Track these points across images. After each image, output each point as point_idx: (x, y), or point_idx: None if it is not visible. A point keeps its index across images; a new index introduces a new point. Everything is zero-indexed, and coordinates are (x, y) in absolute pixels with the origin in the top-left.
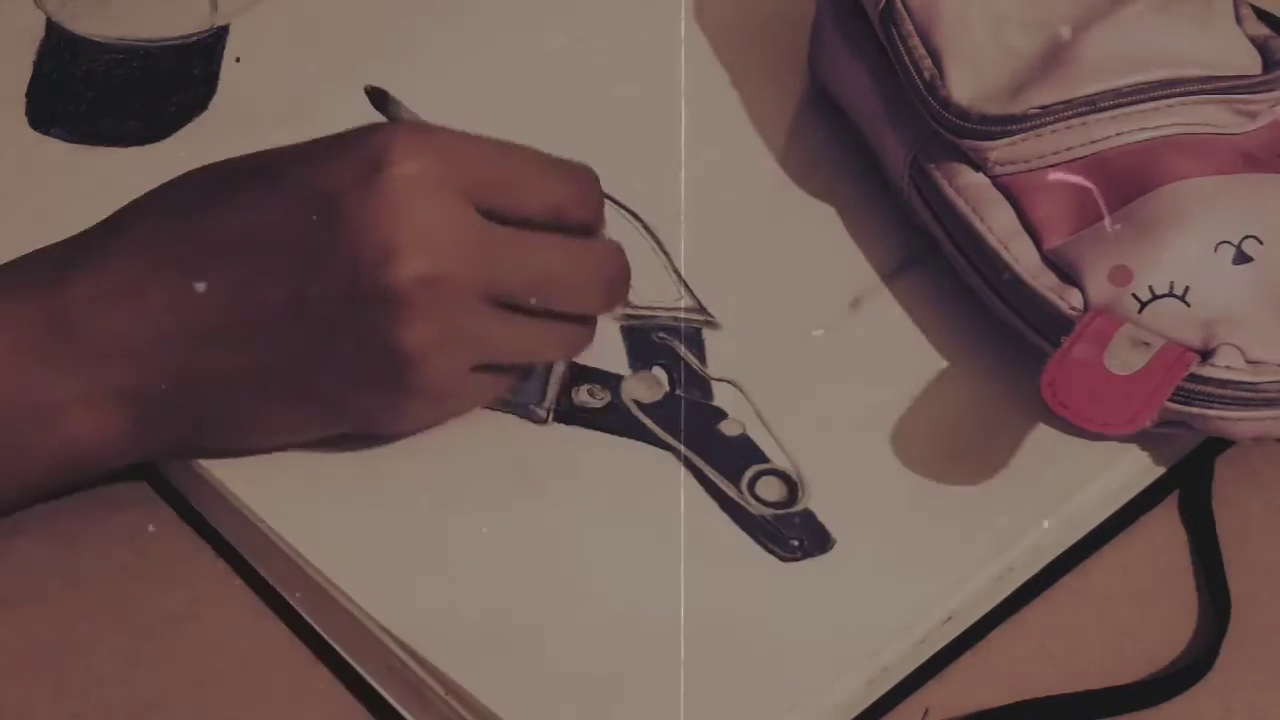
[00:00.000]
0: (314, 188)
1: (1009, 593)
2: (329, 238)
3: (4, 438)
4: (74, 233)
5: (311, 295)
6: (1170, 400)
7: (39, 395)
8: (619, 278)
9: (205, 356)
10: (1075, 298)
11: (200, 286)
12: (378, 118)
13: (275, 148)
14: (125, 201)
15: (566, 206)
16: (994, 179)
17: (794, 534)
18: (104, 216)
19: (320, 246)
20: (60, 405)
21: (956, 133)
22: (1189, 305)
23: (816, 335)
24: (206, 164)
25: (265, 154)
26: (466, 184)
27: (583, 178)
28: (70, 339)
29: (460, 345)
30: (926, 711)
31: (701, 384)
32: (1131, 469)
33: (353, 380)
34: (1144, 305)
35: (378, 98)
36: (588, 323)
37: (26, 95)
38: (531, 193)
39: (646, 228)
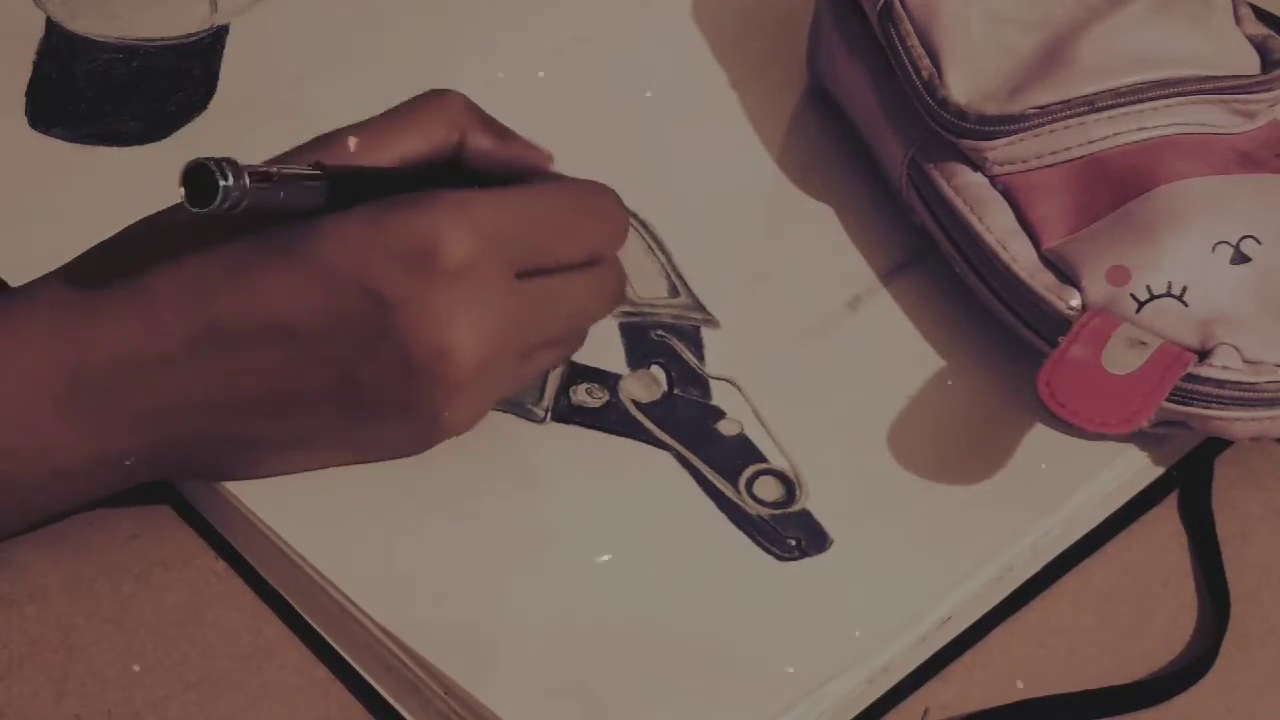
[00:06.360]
0: (359, 280)
1: (1009, 592)
2: (381, 332)
3: (13, 488)
4: (74, 233)
5: (361, 380)
6: (1168, 400)
7: (55, 456)
8: (623, 289)
9: (238, 424)
10: (1073, 297)
11: (238, 365)
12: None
13: (293, 223)
14: (125, 202)
15: (599, 249)
16: (992, 179)
17: (792, 534)
18: (103, 216)
19: (371, 340)
20: (75, 465)
21: (955, 132)
22: (1187, 305)
23: (815, 335)
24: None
25: (290, 232)
26: (510, 256)
27: (610, 210)
28: (91, 405)
29: (496, 394)
30: (926, 711)
31: (700, 383)
32: (1131, 469)
33: (389, 438)
34: (1142, 305)
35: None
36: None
37: (26, 95)
38: (569, 248)
39: (645, 226)
